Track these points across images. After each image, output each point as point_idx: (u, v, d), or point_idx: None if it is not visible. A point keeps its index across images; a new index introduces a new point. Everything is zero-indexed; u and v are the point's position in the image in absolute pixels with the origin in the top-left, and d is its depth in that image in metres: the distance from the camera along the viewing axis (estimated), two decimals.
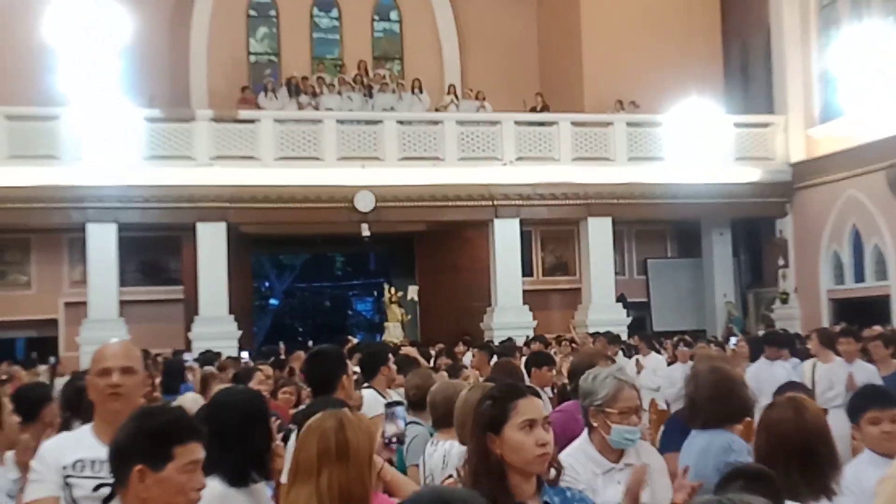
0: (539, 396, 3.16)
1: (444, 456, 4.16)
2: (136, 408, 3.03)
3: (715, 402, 4.31)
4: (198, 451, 2.72)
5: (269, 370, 8.19)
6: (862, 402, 4.17)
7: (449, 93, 21.07)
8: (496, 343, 14.55)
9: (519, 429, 2.98)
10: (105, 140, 17.08)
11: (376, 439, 2.77)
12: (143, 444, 2.65)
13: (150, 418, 2.76)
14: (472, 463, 3.08)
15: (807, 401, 3.81)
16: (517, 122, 19.43)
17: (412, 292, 19.25)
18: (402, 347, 11.38)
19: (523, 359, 8.99)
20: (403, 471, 4.15)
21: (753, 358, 10.07)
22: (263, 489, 3.77)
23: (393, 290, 19.62)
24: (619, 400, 3.83)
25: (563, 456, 3.83)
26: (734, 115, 20.46)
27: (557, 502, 3.11)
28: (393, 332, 18.72)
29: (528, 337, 15.82)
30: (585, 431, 3.99)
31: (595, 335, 14.52)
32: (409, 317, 19.36)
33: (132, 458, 2.63)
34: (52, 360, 14.99)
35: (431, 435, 4.88)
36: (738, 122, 20.23)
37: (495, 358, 11.42)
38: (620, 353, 12.74)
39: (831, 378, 8.98)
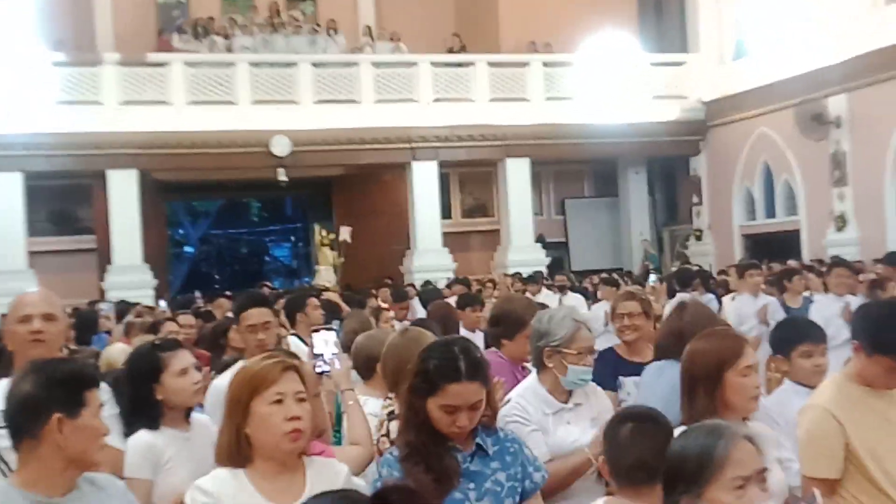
0: (480, 379, 3.05)
1: (376, 419, 4.09)
2: (30, 361, 2.93)
3: None
4: (100, 397, 2.70)
5: (191, 319, 8.04)
6: (793, 335, 4.23)
7: (364, 34, 20.76)
8: (417, 286, 14.56)
9: (445, 413, 2.97)
10: (9, 85, 16.46)
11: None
12: (58, 392, 2.59)
13: (58, 366, 2.71)
14: (404, 417, 3.08)
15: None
16: (433, 64, 19.27)
17: (345, 233, 18.41)
18: (324, 293, 11.28)
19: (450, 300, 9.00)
20: (339, 416, 4.10)
21: (671, 295, 10.24)
22: (202, 433, 3.69)
23: (324, 231, 18.80)
24: (575, 340, 3.83)
25: (513, 395, 3.84)
26: (648, 53, 20.59)
27: (490, 443, 3.11)
28: (325, 276, 17.89)
29: (449, 279, 15.85)
30: (535, 371, 3.99)
31: (516, 276, 14.60)
32: (342, 260, 18.48)
33: (48, 407, 2.57)
34: None
35: None
36: (653, 62, 20.37)
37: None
38: (545, 291, 12.84)
39: (740, 312, 9.19)
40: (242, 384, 2.72)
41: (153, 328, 7.44)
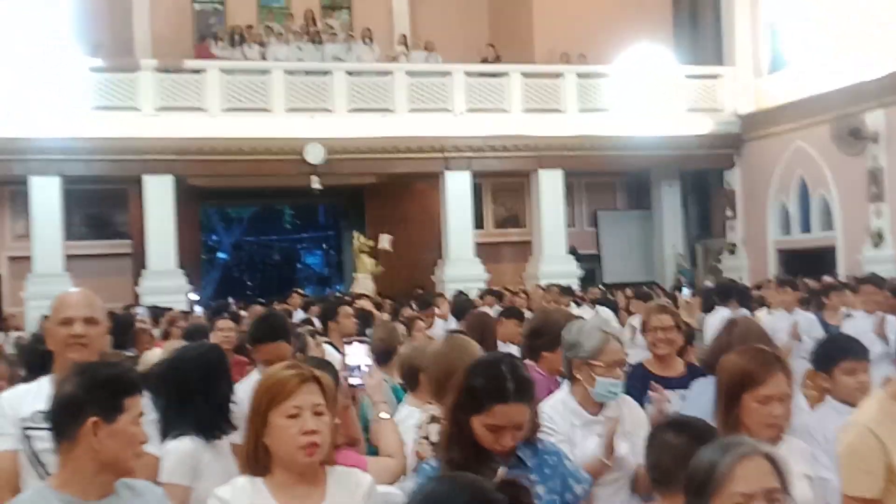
0: (526, 400, 3.04)
1: (417, 427, 4.08)
2: (73, 363, 2.96)
3: None
4: (141, 405, 2.70)
5: (229, 324, 8.09)
6: (835, 351, 4.18)
7: (399, 43, 20.84)
8: (448, 295, 14.53)
9: (489, 431, 2.96)
10: (48, 90, 16.65)
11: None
12: (97, 396, 2.62)
13: (100, 370, 2.72)
14: (446, 430, 3.08)
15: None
16: (468, 74, 19.30)
17: (385, 241, 18.27)
18: (357, 300, 11.31)
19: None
20: (366, 423, 4.09)
21: (706, 309, 10.17)
22: (227, 444, 3.73)
23: (362, 238, 18.62)
24: (604, 353, 3.83)
25: (544, 406, 3.84)
26: (683, 65, 20.50)
27: (529, 455, 3.11)
28: (363, 284, 17.74)
29: (480, 290, 15.83)
30: (566, 383, 3.99)
31: (552, 287, 14.55)
32: (381, 268, 18.30)
33: (85, 410, 2.60)
34: None
35: (395, 391, 4.84)
36: (688, 74, 20.28)
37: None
38: (573, 305, 12.80)
39: (773, 328, 9.10)
40: (261, 394, 2.73)
41: (199, 333, 7.42)
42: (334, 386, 2.84)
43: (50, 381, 3.42)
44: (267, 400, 2.70)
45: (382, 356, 5.30)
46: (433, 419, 3.73)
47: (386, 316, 10.24)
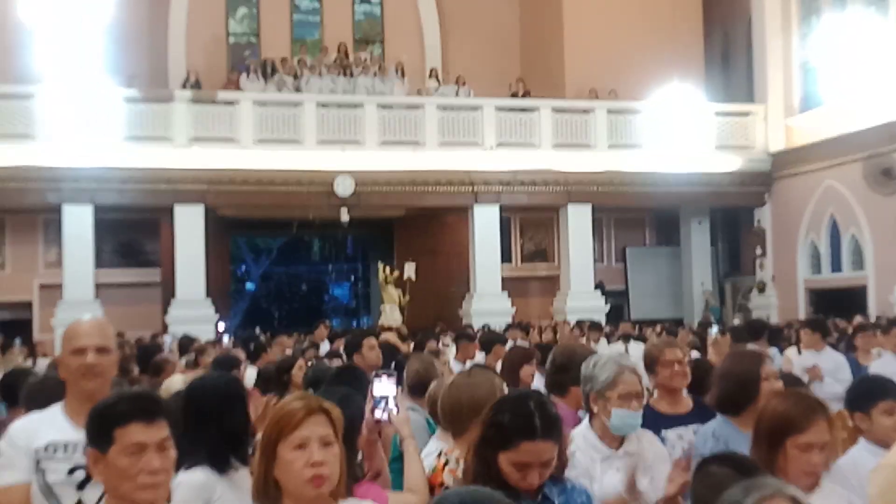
0: (553, 437, 3.02)
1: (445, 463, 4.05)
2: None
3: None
4: (139, 433, 2.62)
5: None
6: (874, 392, 4.13)
7: (430, 77, 20.96)
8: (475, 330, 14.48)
9: (515, 468, 2.93)
10: (82, 120, 16.87)
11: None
12: (90, 427, 2.65)
13: (100, 402, 2.73)
14: (471, 466, 3.05)
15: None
16: (498, 108, 19.37)
17: (409, 270, 18.16)
18: (383, 333, 11.29)
19: (507, 345, 8.95)
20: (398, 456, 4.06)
21: (735, 347, 10.07)
22: (245, 475, 3.70)
23: (388, 269, 18.55)
24: (619, 384, 3.81)
25: None
26: (714, 103, 20.48)
27: (556, 493, 3.08)
28: (390, 316, 17.68)
29: (507, 324, 15.78)
30: (587, 417, 3.97)
31: (582, 323, 14.48)
32: (408, 298, 18.15)
33: (87, 441, 2.64)
34: (17, 341, 14.74)
35: (429, 423, 4.81)
36: (718, 111, 20.25)
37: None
38: (603, 340, 12.74)
39: (802, 367, 9.00)
40: (270, 427, 2.73)
41: (228, 364, 7.43)
42: (341, 416, 2.82)
43: (61, 410, 3.42)
44: (276, 432, 2.70)
45: (417, 389, 5.27)
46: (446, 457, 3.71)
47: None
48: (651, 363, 4.92)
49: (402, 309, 18.09)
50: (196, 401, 3.74)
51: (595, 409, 3.86)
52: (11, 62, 17.70)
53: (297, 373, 6.30)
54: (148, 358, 9.58)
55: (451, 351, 10.60)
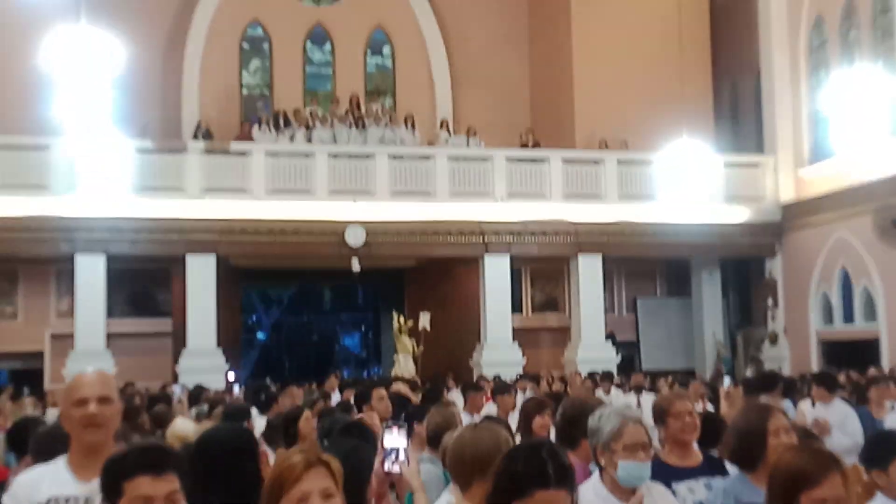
0: (567, 485, 3.01)
1: None
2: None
3: None
4: (147, 486, 2.65)
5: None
6: (891, 448, 4.09)
7: (441, 128, 21.11)
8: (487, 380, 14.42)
9: None
10: (96, 171, 17.00)
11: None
12: (102, 479, 2.67)
13: (112, 455, 2.76)
14: None
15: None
16: (508, 159, 19.46)
17: (424, 319, 18.21)
18: (394, 384, 11.26)
19: (518, 395, 8.92)
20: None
21: (747, 398, 10.00)
22: None
23: (402, 318, 18.61)
24: (623, 435, 3.80)
25: None
26: (724, 154, 20.54)
27: None
28: (403, 366, 17.73)
29: (518, 374, 15.73)
30: (597, 471, 3.95)
31: (592, 375, 14.41)
32: (422, 348, 18.17)
33: (101, 493, 2.68)
34: (25, 391, 14.77)
35: (445, 475, 4.79)
36: (728, 162, 20.29)
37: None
38: (616, 390, 12.68)
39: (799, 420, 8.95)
40: (272, 482, 2.72)
41: (240, 414, 7.42)
42: (341, 468, 2.81)
43: (65, 463, 3.42)
44: (277, 487, 2.69)
45: (436, 440, 5.24)
46: None
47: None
48: (661, 415, 4.89)
49: (415, 359, 18.07)
50: (207, 453, 3.72)
51: (603, 462, 3.84)
52: (28, 114, 17.90)
53: (304, 424, 6.26)
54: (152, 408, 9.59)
55: (459, 402, 10.56)
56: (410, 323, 18.37)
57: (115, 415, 3.51)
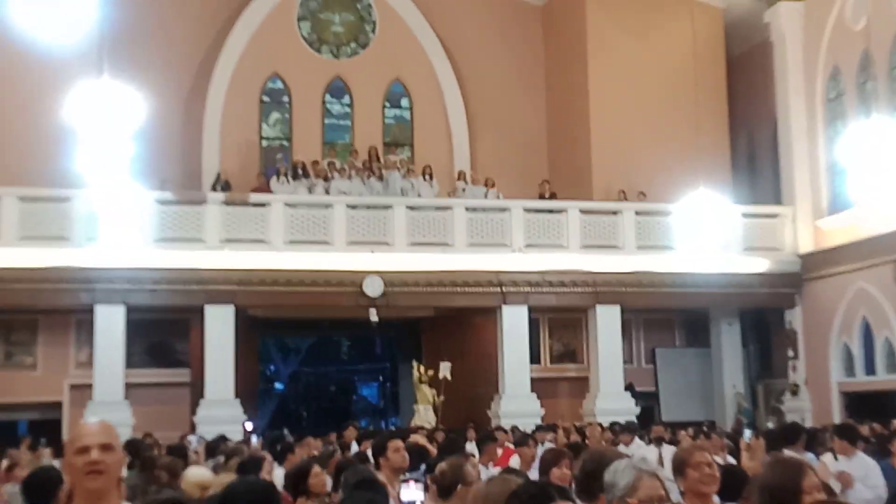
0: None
1: None
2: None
3: None
4: None
5: (269, 457, 8.06)
6: None
7: (459, 179, 21.22)
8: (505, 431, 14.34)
9: None
10: (116, 222, 17.14)
11: None
12: None
13: None
14: None
15: None
16: (526, 210, 19.52)
17: (445, 369, 18.19)
18: (412, 435, 11.21)
19: (539, 447, 8.86)
20: None
21: (770, 451, 9.90)
22: None
23: (422, 368, 18.60)
24: (638, 489, 3.75)
25: None
26: (742, 205, 20.53)
27: None
28: (424, 416, 17.69)
29: (536, 425, 15.61)
30: None
31: (613, 426, 14.31)
32: (442, 398, 18.19)
33: None
34: (42, 441, 14.78)
35: None
36: (745, 213, 20.28)
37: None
38: (637, 440, 12.59)
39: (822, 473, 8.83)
40: None
41: (242, 467, 7.44)
42: None
43: None
44: None
45: (443, 491, 5.22)
46: None
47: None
48: (680, 466, 4.84)
49: (436, 409, 17.99)
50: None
51: None
52: (50, 166, 18.10)
53: (315, 480, 6.21)
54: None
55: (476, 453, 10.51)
56: (430, 372, 18.32)
57: (117, 462, 3.49)
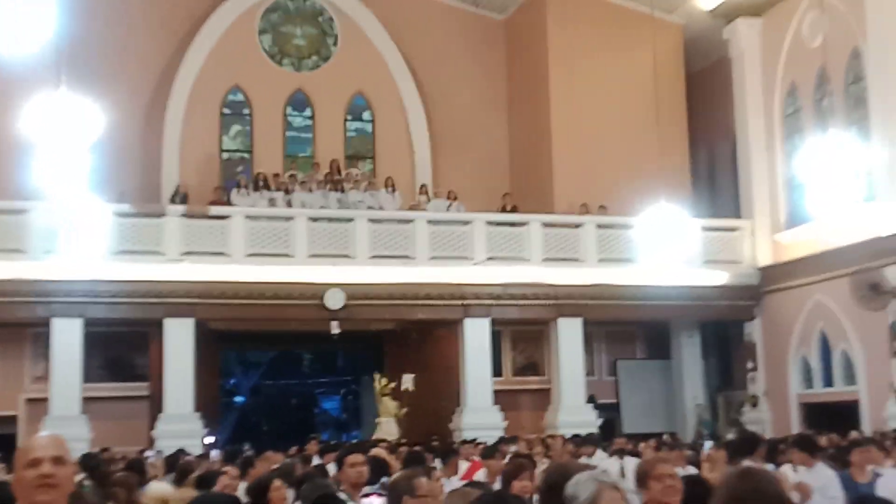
0: None
1: None
2: None
3: None
4: None
5: (236, 471, 7.99)
6: None
7: (421, 192, 21.21)
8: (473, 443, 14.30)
9: None
10: (74, 235, 16.90)
11: None
12: None
13: None
14: None
15: None
16: (488, 223, 19.56)
17: (408, 381, 18.27)
18: (373, 448, 11.15)
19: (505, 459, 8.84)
20: None
21: (731, 462, 9.95)
22: None
23: (384, 380, 18.51)
24: (601, 501, 3.75)
25: None
26: (702, 218, 20.67)
27: None
28: (386, 429, 17.60)
29: (500, 437, 15.59)
30: None
31: (574, 438, 14.34)
32: (406, 410, 18.19)
33: None
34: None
35: None
36: (705, 226, 20.42)
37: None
38: (599, 452, 12.61)
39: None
40: None
41: (201, 481, 7.39)
42: None
43: None
44: None
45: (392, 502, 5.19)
46: None
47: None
48: (643, 478, 4.84)
49: (399, 422, 17.91)
50: None
51: None
52: (5, 178, 17.92)
53: (275, 494, 6.13)
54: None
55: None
56: (392, 385, 18.25)
57: (69, 476, 3.37)
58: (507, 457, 10.55)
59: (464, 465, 10.96)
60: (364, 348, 24.12)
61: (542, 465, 8.81)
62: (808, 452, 8.88)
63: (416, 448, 12.08)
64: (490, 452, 9.46)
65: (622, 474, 10.90)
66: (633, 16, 21.58)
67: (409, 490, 5.11)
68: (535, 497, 5.80)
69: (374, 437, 17.21)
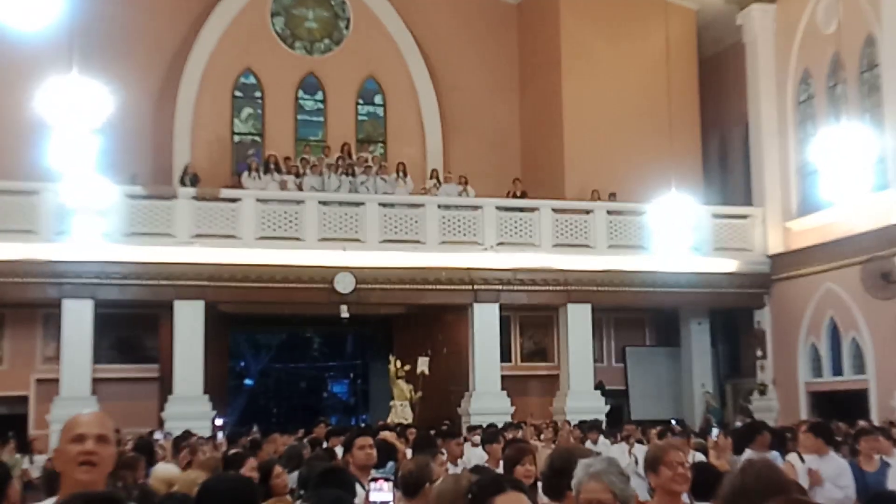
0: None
1: None
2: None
3: None
4: None
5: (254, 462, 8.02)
6: None
7: (431, 177, 21.20)
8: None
9: None
10: (85, 216, 16.97)
11: None
12: None
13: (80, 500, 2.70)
14: None
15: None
16: (498, 208, 19.55)
17: (422, 364, 18.11)
18: (381, 432, 11.18)
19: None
20: None
21: (737, 450, 9.96)
22: None
23: (399, 363, 18.43)
24: (581, 492, 3.83)
25: None
26: (713, 206, 20.64)
27: None
28: (400, 413, 17.55)
29: (506, 423, 15.61)
30: None
31: (581, 423, 14.36)
32: (420, 394, 18.09)
33: None
34: (10, 434, 14.61)
35: None
36: (716, 214, 20.41)
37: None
38: (602, 438, 12.63)
39: (804, 472, 8.88)
40: None
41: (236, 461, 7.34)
42: None
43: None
44: None
45: (409, 489, 5.19)
46: None
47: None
48: (654, 462, 4.85)
49: (412, 405, 17.93)
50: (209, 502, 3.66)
51: None
52: (18, 159, 17.96)
53: (277, 481, 6.15)
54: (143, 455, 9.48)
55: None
56: (407, 367, 18.26)
57: (110, 456, 3.42)
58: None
59: (476, 451, 10.98)
60: (373, 332, 24.16)
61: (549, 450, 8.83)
62: (824, 440, 8.85)
63: (430, 432, 12.11)
64: (492, 437, 9.47)
65: (635, 462, 10.92)
66: (646, 0, 21.46)
67: (427, 477, 5.14)
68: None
69: (388, 420, 17.22)
